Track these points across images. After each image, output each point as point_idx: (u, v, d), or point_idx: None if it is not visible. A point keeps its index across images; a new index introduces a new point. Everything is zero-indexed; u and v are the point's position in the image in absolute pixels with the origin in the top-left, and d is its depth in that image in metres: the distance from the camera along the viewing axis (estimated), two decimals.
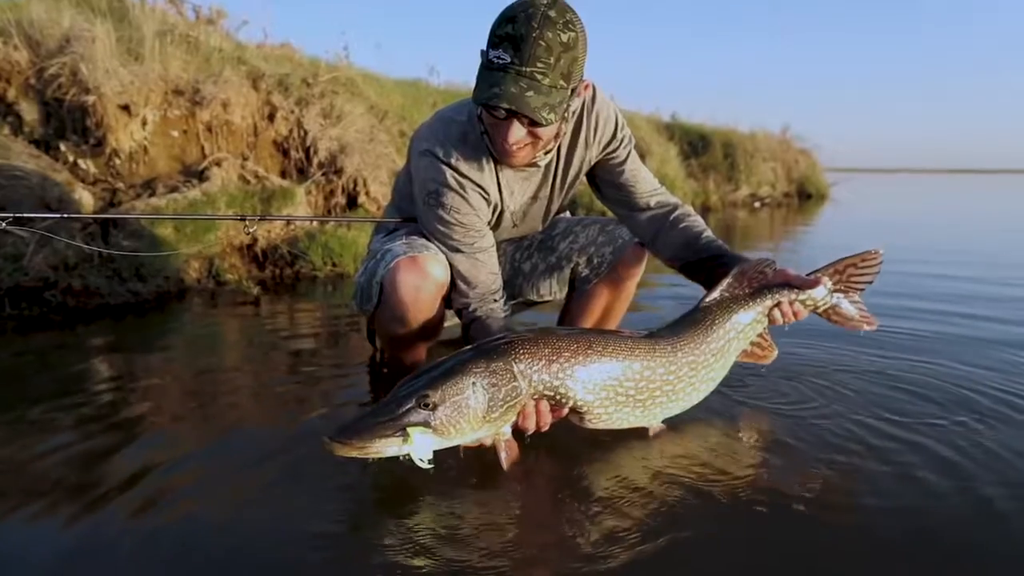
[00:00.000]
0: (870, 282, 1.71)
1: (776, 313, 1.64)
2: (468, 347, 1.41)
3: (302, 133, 4.39)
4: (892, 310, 2.88)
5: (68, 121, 3.56)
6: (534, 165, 1.75)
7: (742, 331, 1.63)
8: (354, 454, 1.22)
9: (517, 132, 1.51)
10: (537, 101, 1.43)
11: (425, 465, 1.23)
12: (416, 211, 1.83)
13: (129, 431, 1.60)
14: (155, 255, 3.19)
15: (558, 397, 1.40)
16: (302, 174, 4.35)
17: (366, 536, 1.18)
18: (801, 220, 9.43)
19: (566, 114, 1.58)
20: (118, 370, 2.10)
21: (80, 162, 3.51)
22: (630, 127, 1.87)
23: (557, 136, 1.66)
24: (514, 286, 2.08)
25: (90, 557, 1.10)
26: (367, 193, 4.43)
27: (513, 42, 1.40)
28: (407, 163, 1.91)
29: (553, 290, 2.06)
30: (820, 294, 1.67)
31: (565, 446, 1.49)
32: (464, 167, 1.68)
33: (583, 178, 1.91)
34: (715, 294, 1.63)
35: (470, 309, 1.76)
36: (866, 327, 1.71)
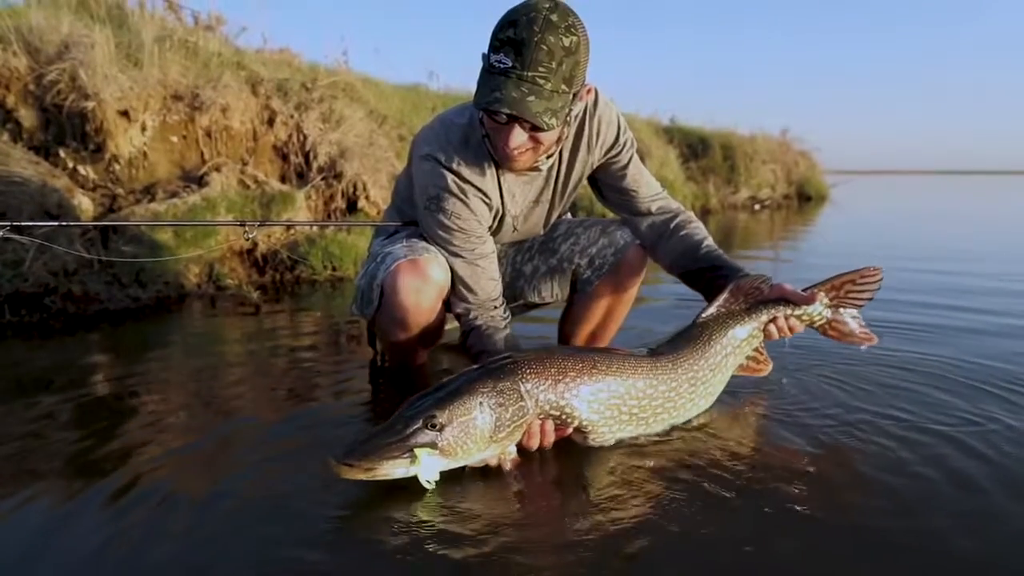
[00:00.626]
0: (869, 299, 1.72)
1: (772, 328, 1.67)
2: (473, 367, 1.41)
3: (301, 138, 4.39)
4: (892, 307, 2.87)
5: (67, 127, 3.56)
6: (536, 169, 1.74)
7: (739, 346, 1.67)
8: (360, 476, 1.22)
9: (519, 137, 1.51)
10: (539, 106, 1.43)
11: (431, 485, 1.25)
12: (417, 215, 1.83)
13: (128, 434, 1.59)
14: (154, 260, 3.18)
15: (564, 416, 1.41)
16: (302, 179, 4.35)
17: (366, 536, 1.17)
18: (801, 222, 9.43)
19: (568, 118, 1.58)
20: (117, 375, 2.09)
21: (79, 168, 3.51)
22: (629, 130, 1.87)
23: (559, 141, 1.66)
24: (515, 288, 2.07)
25: (88, 559, 1.10)
26: (367, 197, 4.43)
27: (515, 46, 1.39)
28: (408, 166, 1.91)
29: (554, 292, 2.06)
30: (816, 310, 1.70)
31: (564, 443, 1.48)
32: (466, 172, 1.67)
33: (585, 181, 1.91)
34: (711, 310, 1.67)
35: (470, 317, 1.76)
36: (865, 343, 1.72)
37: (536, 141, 1.54)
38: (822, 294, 1.69)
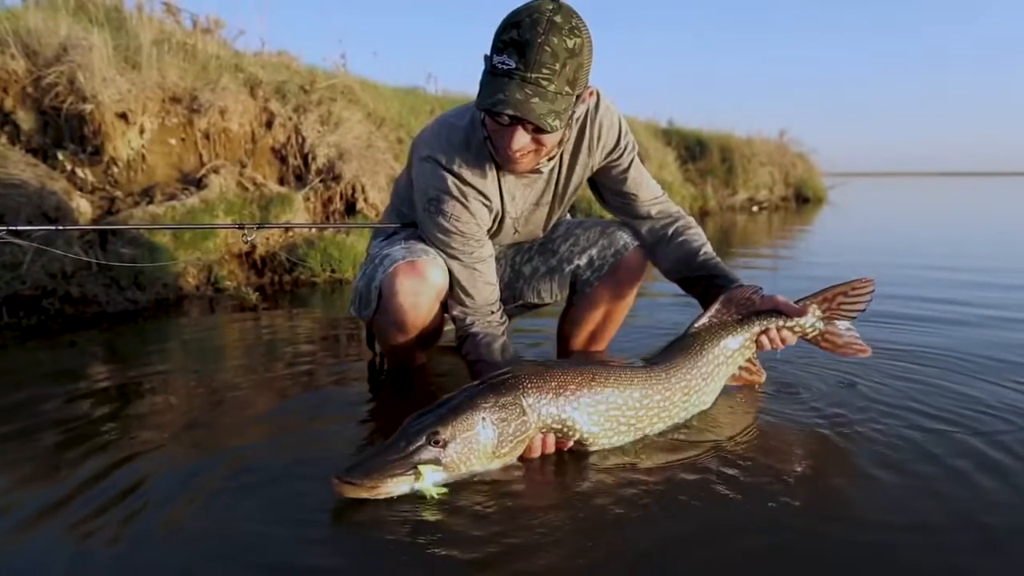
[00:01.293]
0: (862, 310, 1.73)
1: (764, 339, 1.70)
2: (475, 382, 1.42)
3: (300, 140, 4.39)
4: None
5: (66, 130, 3.56)
6: (537, 171, 1.74)
7: (731, 356, 1.69)
8: (364, 495, 1.21)
9: (521, 139, 1.51)
10: (542, 108, 1.42)
11: (434, 499, 1.24)
12: (416, 216, 1.82)
13: (127, 435, 1.59)
14: (152, 265, 3.18)
15: (565, 430, 1.42)
16: (300, 181, 4.35)
17: (366, 536, 1.17)
18: (799, 223, 9.44)
19: (570, 121, 1.58)
20: (115, 378, 2.08)
21: (78, 170, 3.51)
22: (631, 133, 1.87)
23: (561, 143, 1.65)
24: (514, 289, 2.07)
25: (85, 560, 1.09)
26: (365, 199, 4.43)
27: (518, 48, 1.39)
28: (407, 167, 1.91)
29: (554, 293, 2.06)
30: (808, 322, 1.72)
31: None
32: (467, 174, 1.67)
33: (585, 184, 1.91)
34: (704, 320, 1.70)
35: (467, 322, 1.76)
36: (858, 355, 1.73)
37: (539, 143, 1.54)
38: (814, 306, 1.71)
